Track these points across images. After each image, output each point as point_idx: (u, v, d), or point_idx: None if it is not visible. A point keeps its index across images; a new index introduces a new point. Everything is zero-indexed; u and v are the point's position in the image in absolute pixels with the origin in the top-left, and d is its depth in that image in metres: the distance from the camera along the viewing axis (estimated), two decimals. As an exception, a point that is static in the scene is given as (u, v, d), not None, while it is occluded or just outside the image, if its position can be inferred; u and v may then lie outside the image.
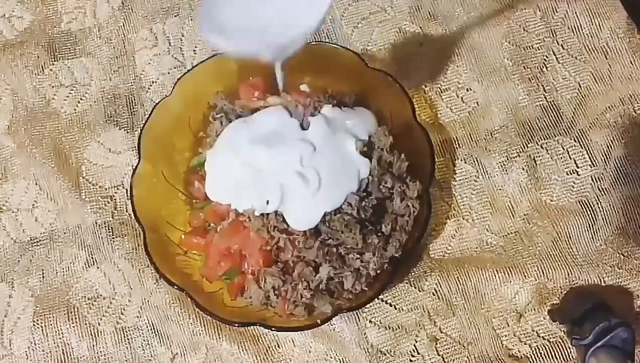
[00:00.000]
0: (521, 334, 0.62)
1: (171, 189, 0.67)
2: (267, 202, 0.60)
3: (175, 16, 0.78)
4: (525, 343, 0.62)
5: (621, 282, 0.62)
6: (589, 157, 0.67)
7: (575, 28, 0.73)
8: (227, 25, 0.47)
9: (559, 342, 0.61)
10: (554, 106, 0.70)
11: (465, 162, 0.68)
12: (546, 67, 0.71)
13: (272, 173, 0.61)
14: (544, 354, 0.61)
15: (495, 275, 0.63)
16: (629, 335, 0.54)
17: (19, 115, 0.75)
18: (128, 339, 0.65)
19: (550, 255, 0.64)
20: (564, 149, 0.68)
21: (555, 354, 0.61)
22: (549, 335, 0.62)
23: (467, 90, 0.71)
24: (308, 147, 0.62)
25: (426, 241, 0.66)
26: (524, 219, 0.66)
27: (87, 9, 0.80)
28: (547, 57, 0.72)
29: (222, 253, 0.62)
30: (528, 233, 0.65)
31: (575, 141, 0.68)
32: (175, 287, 0.59)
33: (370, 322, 0.63)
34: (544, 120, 0.69)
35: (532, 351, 0.61)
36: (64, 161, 0.72)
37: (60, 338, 0.65)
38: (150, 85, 0.75)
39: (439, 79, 0.72)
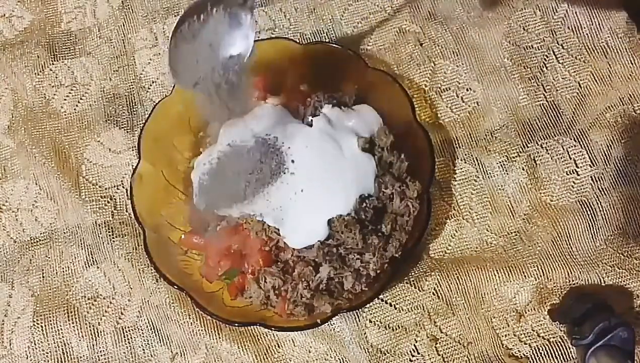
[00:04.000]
0: (521, 334, 0.62)
1: (171, 189, 0.67)
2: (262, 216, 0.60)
3: (175, 16, 0.78)
4: (525, 343, 0.62)
5: (621, 282, 0.62)
6: (589, 157, 0.67)
7: (575, 28, 0.73)
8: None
9: (559, 342, 0.61)
10: (554, 106, 0.70)
11: (465, 162, 0.68)
12: (546, 67, 0.71)
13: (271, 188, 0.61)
14: (544, 354, 0.61)
15: (495, 275, 0.63)
16: (629, 335, 0.54)
17: (18, 115, 0.75)
18: (128, 339, 0.65)
19: (550, 255, 0.64)
20: (564, 148, 0.68)
21: (555, 354, 0.61)
22: (549, 335, 0.62)
23: (467, 90, 0.71)
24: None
25: (426, 241, 0.66)
26: (524, 219, 0.66)
27: (87, 8, 0.80)
28: (547, 57, 0.72)
29: (222, 253, 0.62)
30: (528, 233, 0.65)
31: (575, 141, 0.68)
32: (175, 287, 0.59)
33: (370, 321, 0.63)
34: (544, 120, 0.69)
35: (532, 351, 0.61)
36: (64, 161, 0.72)
37: (60, 338, 0.65)
38: (150, 85, 0.75)
39: (439, 79, 0.72)
